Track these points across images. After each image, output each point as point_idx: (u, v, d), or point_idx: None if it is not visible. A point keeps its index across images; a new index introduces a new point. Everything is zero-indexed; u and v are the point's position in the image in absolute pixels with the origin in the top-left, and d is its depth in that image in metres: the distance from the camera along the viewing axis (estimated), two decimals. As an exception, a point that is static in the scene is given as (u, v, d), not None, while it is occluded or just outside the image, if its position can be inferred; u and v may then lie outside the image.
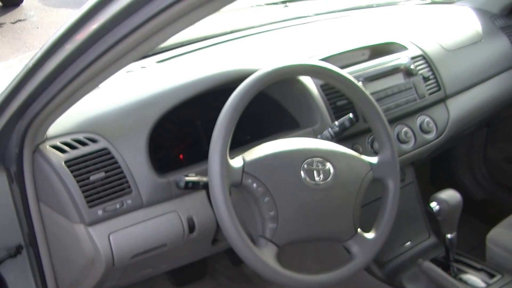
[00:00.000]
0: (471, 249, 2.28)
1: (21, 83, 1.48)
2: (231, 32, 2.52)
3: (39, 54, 1.37)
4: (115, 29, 1.15)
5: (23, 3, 9.39)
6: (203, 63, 2.17)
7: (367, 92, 1.81)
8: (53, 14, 8.79)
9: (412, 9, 3.02)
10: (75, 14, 1.23)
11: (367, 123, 2.02)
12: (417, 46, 2.44)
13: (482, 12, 2.91)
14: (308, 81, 2.06)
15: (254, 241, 1.57)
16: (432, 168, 3.16)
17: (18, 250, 1.88)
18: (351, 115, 1.94)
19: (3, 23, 8.49)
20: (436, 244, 2.44)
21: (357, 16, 2.85)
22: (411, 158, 2.27)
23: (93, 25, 1.18)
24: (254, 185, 1.56)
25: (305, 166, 1.62)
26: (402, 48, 2.41)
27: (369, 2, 3.04)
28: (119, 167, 1.70)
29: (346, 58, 2.26)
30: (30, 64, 1.41)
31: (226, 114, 1.55)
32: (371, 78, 2.21)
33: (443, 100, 2.40)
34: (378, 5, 3.03)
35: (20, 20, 8.61)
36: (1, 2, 9.37)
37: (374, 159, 1.77)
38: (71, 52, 1.27)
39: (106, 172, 1.68)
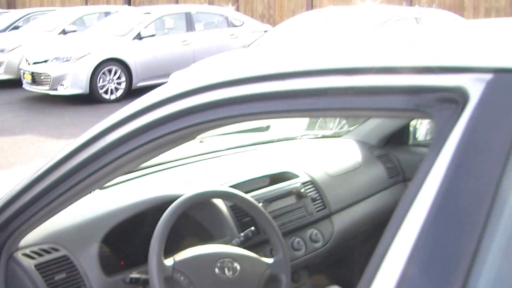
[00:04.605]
0: None
1: (8, 203, 1.91)
2: (157, 164, 2.97)
3: (22, 184, 1.86)
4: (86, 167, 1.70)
5: None
6: (140, 188, 2.67)
7: (265, 211, 2.39)
8: None
9: (306, 142, 3.58)
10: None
11: (265, 234, 2.60)
12: (307, 174, 3.01)
13: (363, 143, 3.50)
14: (220, 203, 2.60)
15: None
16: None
17: None
18: (253, 228, 2.48)
19: None
20: None
21: (261, 150, 3.37)
22: (304, 262, 2.77)
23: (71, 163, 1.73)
24: (182, 278, 2.06)
25: (219, 264, 2.14)
26: (295, 176, 2.98)
27: (271, 137, 3.58)
28: (76, 269, 2.13)
29: (250, 184, 2.80)
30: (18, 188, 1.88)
31: (159, 230, 2.08)
32: (270, 200, 2.74)
33: (328, 216, 2.94)
34: (278, 140, 3.55)
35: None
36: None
37: (270, 260, 2.30)
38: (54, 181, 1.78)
39: (67, 273, 2.11)
